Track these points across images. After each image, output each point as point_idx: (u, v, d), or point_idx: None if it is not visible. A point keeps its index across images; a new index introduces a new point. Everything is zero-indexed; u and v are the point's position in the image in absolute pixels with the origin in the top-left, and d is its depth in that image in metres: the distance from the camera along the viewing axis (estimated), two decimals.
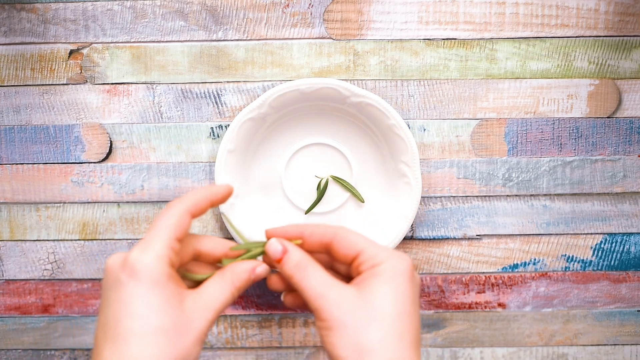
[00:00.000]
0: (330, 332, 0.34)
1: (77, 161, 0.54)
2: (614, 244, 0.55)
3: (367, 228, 0.54)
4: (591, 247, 0.55)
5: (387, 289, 0.35)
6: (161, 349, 0.31)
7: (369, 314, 0.34)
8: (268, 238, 0.40)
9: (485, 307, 0.56)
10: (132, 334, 0.31)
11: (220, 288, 0.36)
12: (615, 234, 0.55)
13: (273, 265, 0.39)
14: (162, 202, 0.54)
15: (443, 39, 0.53)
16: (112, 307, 0.32)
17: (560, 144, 0.54)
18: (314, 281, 0.36)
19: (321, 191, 0.54)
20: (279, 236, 0.39)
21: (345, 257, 0.37)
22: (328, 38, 0.53)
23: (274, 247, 0.38)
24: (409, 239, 0.55)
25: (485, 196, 0.55)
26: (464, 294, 0.56)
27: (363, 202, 0.54)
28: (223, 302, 0.36)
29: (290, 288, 0.41)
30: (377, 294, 0.35)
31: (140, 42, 0.53)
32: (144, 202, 0.55)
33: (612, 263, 0.55)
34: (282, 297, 0.42)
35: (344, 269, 0.40)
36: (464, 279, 0.55)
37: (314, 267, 0.37)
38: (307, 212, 0.54)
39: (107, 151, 0.54)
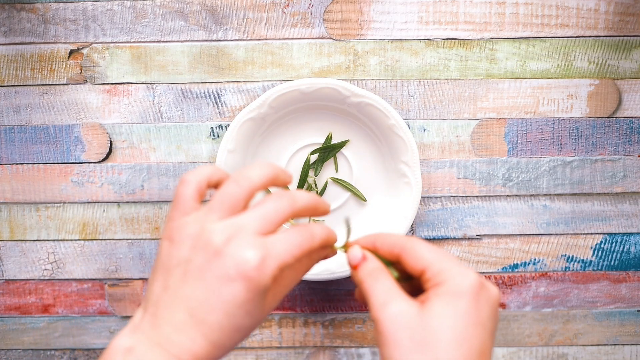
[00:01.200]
0: (384, 348, 0.34)
1: (77, 161, 0.54)
2: (614, 244, 0.55)
3: (367, 228, 0.54)
4: (591, 247, 0.55)
5: (447, 311, 0.33)
6: (235, 341, 0.34)
7: (425, 336, 0.33)
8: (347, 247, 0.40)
9: None
10: (220, 327, 0.33)
11: (294, 275, 0.37)
12: (615, 234, 0.55)
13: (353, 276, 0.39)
14: (162, 202, 0.55)
15: (443, 39, 0.53)
16: (209, 295, 0.33)
17: (560, 144, 0.54)
18: (380, 290, 0.35)
19: (320, 192, 0.54)
20: (353, 245, 0.40)
21: (413, 270, 0.36)
22: (328, 38, 0.53)
23: (355, 253, 0.38)
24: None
25: (485, 196, 0.55)
26: None
27: (365, 200, 0.54)
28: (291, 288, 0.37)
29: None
30: (437, 315, 0.33)
31: (140, 42, 0.53)
32: (144, 202, 0.55)
33: (612, 263, 0.55)
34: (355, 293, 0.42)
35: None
36: None
37: (384, 277, 0.36)
38: None
39: (107, 151, 0.54)
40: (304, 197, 0.36)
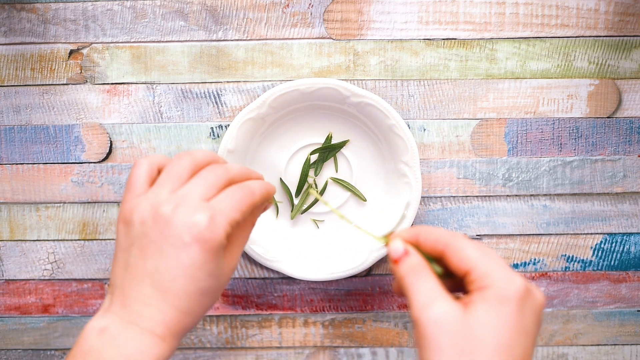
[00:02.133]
0: (424, 351, 0.33)
1: (77, 161, 0.54)
2: (614, 244, 0.55)
3: (366, 228, 0.53)
4: (591, 247, 0.55)
5: (491, 317, 0.32)
6: (204, 305, 0.35)
7: (467, 342, 0.32)
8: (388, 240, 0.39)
9: None
10: (186, 293, 0.34)
11: (242, 237, 0.39)
12: (615, 234, 0.55)
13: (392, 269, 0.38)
14: None
15: (443, 39, 0.53)
16: (169, 264, 0.34)
17: (560, 144, 0.54)
18: (423, 288, 0.34)
19: (320, 192, 0.54)
20: (395, 237, 0.38)
21: (457, 270, 0.35)
22: (328, 38, 0.53)
23: (396, 246, 0.37)
24: None
25: (485, 196, 0.55)
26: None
27: (365, 200, 0.54)
28: (243, 246, 0.39)
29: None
30: (480, 320, 0.32)
31: (140, 42, 0.53)
32: None
33: (612, 263, 0.55)
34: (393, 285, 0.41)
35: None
36: None
37: (427, 275, 0.35)
38: (303, 211, 0.55)
39: (107, 151, 0.54)
40: (236, 165, 0.39)
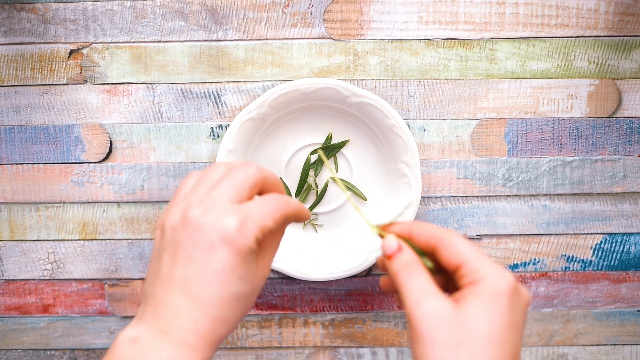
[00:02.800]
0: (418, 345, 0.33)
1: (77, 161, 0.54)
2: (614, 244, 0.55)
3: (366, 228, 0.54)
4: (591, 247, 0.55)
5: (484, 311, 0.33)
6: (237, 312, 0.34)
7: (460, 336, 0.32)
8: (381, 234, 0.40)
9: None
10: (218, 299, 0.33)
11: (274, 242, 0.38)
12: (615, 234, 0.55)
13: (383, 265, 0.39)
14: (162, 202, 0.55)
15: (443, 39, 0.53)
16: (200, 269, 0.33)
17: (560, 144, 0.54)
18: (415, 285, 0.35)
19: (320, 192, 0.54)
20: (388, 232, 0.39)
21: (448, 265, 0.36)
22: (328, 38, 0.53)
23: (390, 242, 0.37)
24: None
25: (485, 196, 0.55)
26: None
27: (365, 200, 0.54)
28: (275, 253, 0.38)
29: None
30: (473, 314, 0.33)
31: (140, 42, 0.53)
32: (144, 202, 0.55)
33: (612, 263, 0.55)
34: (380, 281, 0.41)
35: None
36: None
37: (419, 271, 0.35)
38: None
39: (107, 151, 0.54)
40: (269, 170, 0.38)
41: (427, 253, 0.37)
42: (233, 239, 0.33)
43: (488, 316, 0.33)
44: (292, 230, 0.55)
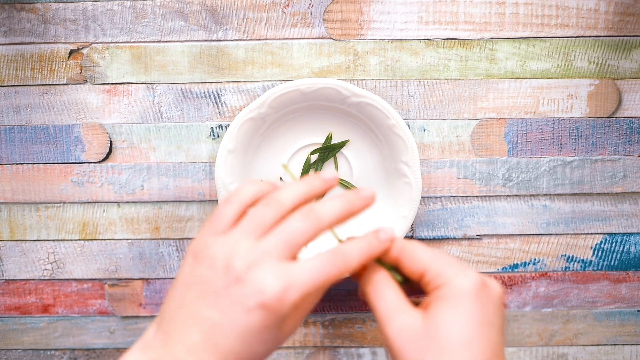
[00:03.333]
0: (391, 349, 0.33)
1: (77, 161, 0.54)
2: (614, 244, 0.55)
3: (366, 228, 0.53)
4: (591, 247, 0.55)
5: (451, 315, 0.32)
6: None
7: (431, 346, 0.32)
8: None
9: None
10: (234, 354, 0.32)
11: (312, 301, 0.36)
12: (615, 234, 0.55)
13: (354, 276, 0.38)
14: (162, 202, 0.54)
15: (443, 39, 0.53)
16: (224, 321, 0.32)
17: (560, 144, 0.54)
18: (384, 302, 0.34)
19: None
20: None
21: (412, 274, 0.35)
22: (328, 38, 0.53)
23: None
24: (409, 239, 0.55)
25: (485, 196, 0.55)
26: None
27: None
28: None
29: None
30: (441, 320, 0.32)
31: (140, 42, 0.53)
32: (144, 202, 0.55)
33: (612, 263, 0.55)
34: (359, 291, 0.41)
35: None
36: None
37: (388, 286, 0.35)
38: None
39: (107, 151, 0.54)
40: (332, 211, 0.34)
41: (395, 267, 0.37)
42: (270, 304, 0.31)
43: (457, 319, 0.32)
44: None
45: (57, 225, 0.55)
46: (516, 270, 0.55)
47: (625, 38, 0.53)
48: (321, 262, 0.33)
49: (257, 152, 0.54)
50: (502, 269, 0.55)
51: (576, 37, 0.53)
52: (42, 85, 0.54)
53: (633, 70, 0.53)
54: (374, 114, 0.51)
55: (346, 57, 0.53)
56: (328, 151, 0.54)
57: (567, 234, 0.55)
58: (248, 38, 0.53)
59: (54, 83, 0.54)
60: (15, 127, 0.54)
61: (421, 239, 0.55)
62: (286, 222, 0.33)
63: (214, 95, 0.54)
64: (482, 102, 0.54)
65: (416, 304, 0.35)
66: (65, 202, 0.55)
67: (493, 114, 0.54)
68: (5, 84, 0.54)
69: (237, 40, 0.53)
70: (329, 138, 0.53)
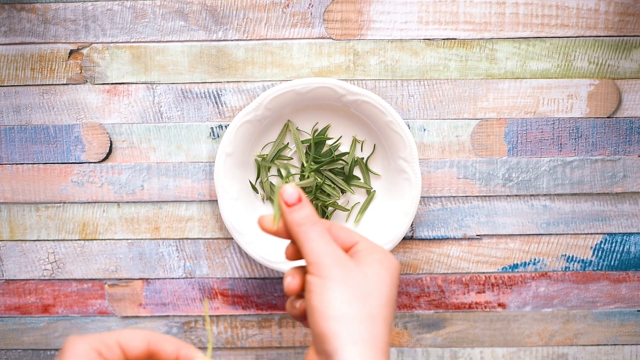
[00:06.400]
0: (324, 282, 0.36)
1: (77, 161, 0.54)
2: (614, 244, 0.55)
3: (367, 225, 0.54)
4: (591, 247, 0.55)
5: (382, 269, 0.38)
6: None
7: (364, 289, 0.36)
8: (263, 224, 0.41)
9: (485, 307, 0.56)
10: None
11: None
12: (615, 234, 0.55)
13: (282, 231, 0.40)
14: (162, 202, 0.55)
15: (443, 39, 0.53)
16: None
17: (560, 144, 0.54)
18: (317, 240, 0.37)
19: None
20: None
21: (344, 244, 0.40)
22: (328, 38, 0.53)
23: (291, 191, 0.39)
24: (409, 238, 0.55)
25: (485, 196, 0.55)
26: (464, 294, 0.56)
27: (371, 189, 0.54)
28: None
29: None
30: (372, 268, 0.37)
31: (140, 42, 0.53)
32: (144, 202, 0.55)
33: (612, 263, 0.55)
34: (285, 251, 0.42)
35: None
36: (464, 279, 0.55)
37: (321, 226, 0.38)
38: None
39: (107, 151, 0.54)
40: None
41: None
42: None
43: (385, 274, 0.38)
44: None
45: (57, 225, 0.55)
46: (516, 270, 0.55)
47: (625, 38, 0.53)
48: None
49: (257, 153, 0.54)
50: (502, 269, 0.55)
51: (576, 37, 0.53)
52: (42, 85, 0.54)
53: (633, 70, 0.53)
54: (371, 111, 0.51)
55: (346, 57, 0.53)
56: (317, 143, 0.54)
57: (567, 234, 0.55)
58: (248, 38, 0.53)
59: (54, 83, 0.54)
60: (15, 127, 0.54)
61: (421, 239, 0.55)
62: None
63: (214, 95, 0.54)
64: (482, 102, 0.54)
65: None
66: (65, 202, 0.55)
67: (493, 114, 0.54)
68: (5, 84, 0.54)
69: (237, 40, 0.53)
70: (323, 131, 0.53)
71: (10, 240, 0.55)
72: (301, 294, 0.41)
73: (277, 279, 0.56)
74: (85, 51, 0.53)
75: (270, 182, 0.53)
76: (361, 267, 0.37)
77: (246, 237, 0.52)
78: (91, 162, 0.54)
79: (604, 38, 0.53)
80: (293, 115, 0.53)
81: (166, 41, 0.53)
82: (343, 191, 0.54)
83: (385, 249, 0.40)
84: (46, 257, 0.55)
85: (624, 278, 0.55)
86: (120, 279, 0.56)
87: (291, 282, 0.40)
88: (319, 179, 0.53)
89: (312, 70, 0.53)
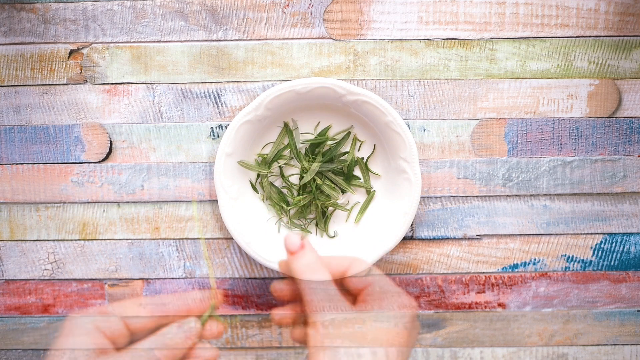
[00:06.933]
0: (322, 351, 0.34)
1: (77, 161, 0.54)
2: (614, 244, 0.55)
3: (367, 225, 0.54)
4: (591, 247, 0.55)
5: (390, 327, 0.34)
6: None
7: (363, 341, 0.34)
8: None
9: (485, 307, 0.56)
10: None
11: None
12: (615, 234, 0.55)
13: (284, 269, 0.39)
14: (162, 202, 0.54)
15: (443, 39, 0.53)
16: None
17: (560, 144, 0.54)
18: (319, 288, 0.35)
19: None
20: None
21: (355, 290, 0.39)
22: (328, 38, 0.53)
23: (292, 238, 0.38)
24: (409, 238, 0.55)
25: (485, 196, 0.55)
26: (464, 294, 0.56)
27: (371, 188, 0.54)
28: None
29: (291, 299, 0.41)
30: (375, 330, 0.34)
31: (140, 42, 0.53)
32: (144, 202, 0.55)
33: (612, 263, 0.55)
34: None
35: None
36: (464, 279, 0.55)
37: (323, 273, 0.37)
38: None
39: (107, 151, 0.54)
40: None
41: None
42: None
43: (391, 326, 0.34)
44: (292, 230, 0.55)
45: (57, 225, 0.55)
46: (516, 270, 0.55)
47: (625, 38, 0.53)
48: None
49: (256, 153, 0.54)
50: (502, 269, 0.55)
51: (576, 37, 0.53)
52: (42, 85, 0.54)
53: (633, 70, 0.53)
54: (370, 111, 0.51)
55: (346, 57, 0.53)
56: (318, 143, 0.54)
57: (567, 234, 0.55)
58: (248, 38, 0.53)
59: (54, 83, 0.54)
60: (15, 127, 0.54)
61: (421, 239, 0.55)
62: None
63: (214, 95, 0.54)
64: (482, 102, 0.54)
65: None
66: (65, 202, 0.55)
67: (493, 114, 0.54)
68: (5, 84, 0.54)
69: (237, 40, 0.53)
70: (324, 131, 0.53)
71: (10, 240, 0.55)
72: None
73: (277, 278, 0.56)
74: (85, 51, 0.53)
75: (270, 182, 0.53)
76: (365, 322, 0.35)
77: (246, 237, 0.52)
78: (91, 162, 0.54)
79: (604, 38, 0.53)
80: (293, 115, 0.53)
81: (166, 41, 0.53)
82: (343, 191, 0.54)
83: (400, 290, 0.38)
84: (46, 257, 0.55)
85: (624, 278, 0.55)
86: (120, 279, 0.56)
87: (283, 318, 0.39)
88: (318, 179, 0.53)
89: (312, 70, 0.53)
